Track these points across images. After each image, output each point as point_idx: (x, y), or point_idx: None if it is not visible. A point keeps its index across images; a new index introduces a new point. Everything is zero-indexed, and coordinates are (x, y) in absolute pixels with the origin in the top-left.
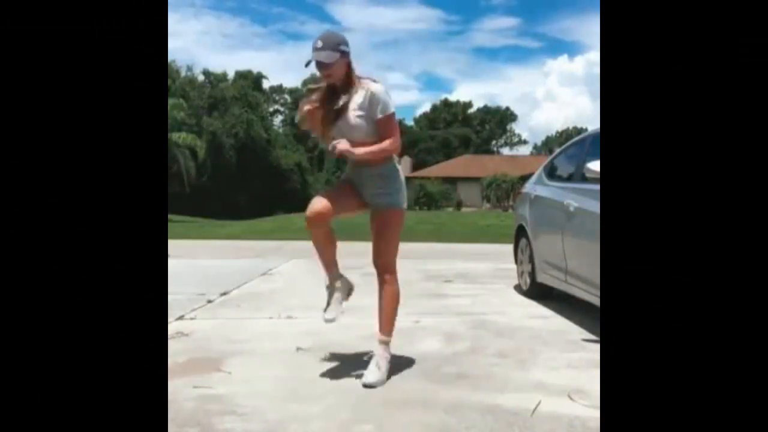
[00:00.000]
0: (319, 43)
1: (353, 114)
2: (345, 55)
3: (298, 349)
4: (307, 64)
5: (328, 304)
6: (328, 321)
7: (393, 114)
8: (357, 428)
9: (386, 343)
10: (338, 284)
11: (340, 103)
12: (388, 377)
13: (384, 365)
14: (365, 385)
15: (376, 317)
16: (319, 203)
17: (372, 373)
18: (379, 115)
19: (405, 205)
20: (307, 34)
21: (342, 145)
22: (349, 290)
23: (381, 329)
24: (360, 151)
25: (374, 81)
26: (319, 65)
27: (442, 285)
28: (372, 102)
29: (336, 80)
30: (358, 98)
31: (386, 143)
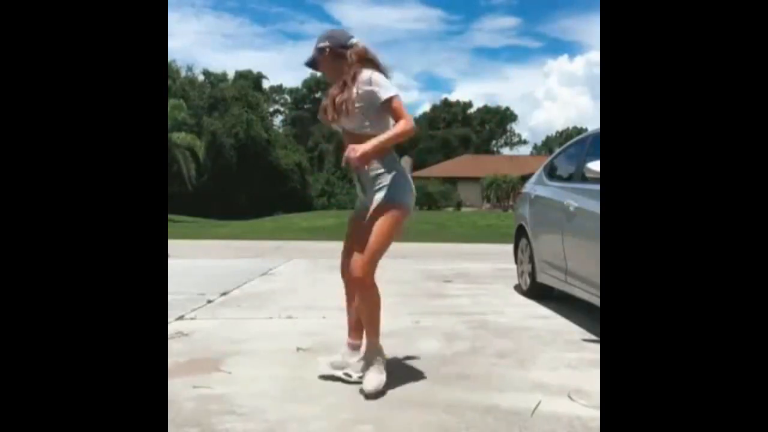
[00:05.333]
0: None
1: (351, 107)
2: (322, 51)
3: (298, 349)
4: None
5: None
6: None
7: (396, 95)
8: (357, 428)
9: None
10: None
11: (337, 98)
12: (388, 377)
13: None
14: (365, 393)
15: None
16: (342, 260)
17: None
18: (382, 99)
19: (404, 203)
20: (306, 34)
21: (352, 154)
22: (361, 372)
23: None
24: (370, 145)
25: (366, 69)
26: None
27: (442, 285)
28: (367, 89)
29: (330, 77)
30: (355, 90)
31: (397, 126)
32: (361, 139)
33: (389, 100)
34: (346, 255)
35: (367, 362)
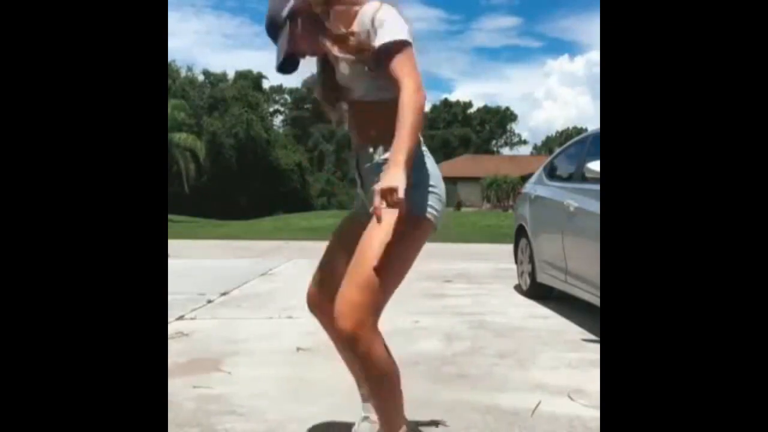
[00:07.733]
0: None
1: (349, 58)
2: None
3: (298, 349)
4: None
5: None
6: None
7: (403, 42)
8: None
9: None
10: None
11: (328, 44)
12: None
13: None
14: None
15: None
16: (311, 288)
17: None
18: (376, 44)
19: (431, 213)
20: None
21: (390, 196)
22: None
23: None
24: (402, 156)
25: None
26: None
27: (442, 285)
28: (370, 29)
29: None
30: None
31: (405, 95)
32: (373, 112)
33: (387, 47)
34: (320, 281)
35: None
